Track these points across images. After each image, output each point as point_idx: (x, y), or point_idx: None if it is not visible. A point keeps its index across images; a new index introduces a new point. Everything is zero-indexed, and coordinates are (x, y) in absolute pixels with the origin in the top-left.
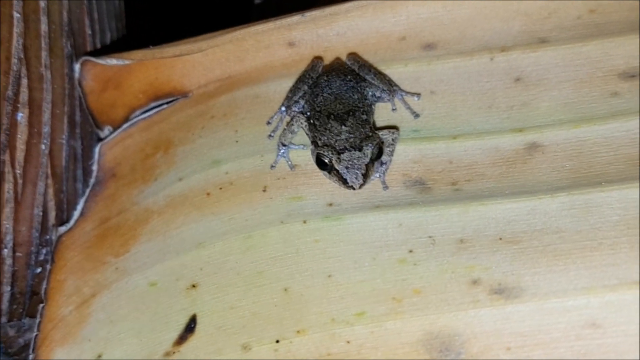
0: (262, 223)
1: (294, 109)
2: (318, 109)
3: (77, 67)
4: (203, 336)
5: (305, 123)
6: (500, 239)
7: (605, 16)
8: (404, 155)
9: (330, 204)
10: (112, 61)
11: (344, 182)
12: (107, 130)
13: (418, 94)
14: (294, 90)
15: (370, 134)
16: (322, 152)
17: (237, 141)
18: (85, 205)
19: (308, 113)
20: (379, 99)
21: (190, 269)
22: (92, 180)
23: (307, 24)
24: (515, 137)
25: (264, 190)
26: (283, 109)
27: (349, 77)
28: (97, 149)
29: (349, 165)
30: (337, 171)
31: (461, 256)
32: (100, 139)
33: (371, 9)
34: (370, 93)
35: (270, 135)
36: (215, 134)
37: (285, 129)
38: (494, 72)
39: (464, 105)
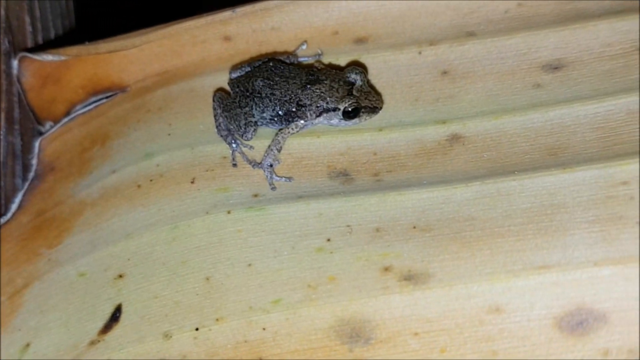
0: (189, 214)
1: (249, 133)
2: (287, 97)
3: (15, 63)
4: (127, 325)
5: (294, 120)
6: (414, 227)
7: (533, 9)
8: (330, 147)
9: (256, 195)
10: (48, 57)
11: (375, 109)
12: (48, 125)
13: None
14: (231, 121)
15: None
16: (349, 104)
17: (169, 134)
18: (23, 199)
19: (279, 110)
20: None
21: (118, 259)
22: (31, 175)
23: (242, 18)
24: (438, 129)
25: (192, 182)
26: (234, 145)
27: (268, 67)
28: (37, 144)
29: (367, 97)
30: (366, 106)
31: (376, 244)
32: (41, 134)
33: (304, 4)
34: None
35: (233, 165)
36: (149, 127)
37: (273, 150)
38: (422, 65)
39: (392, 98)
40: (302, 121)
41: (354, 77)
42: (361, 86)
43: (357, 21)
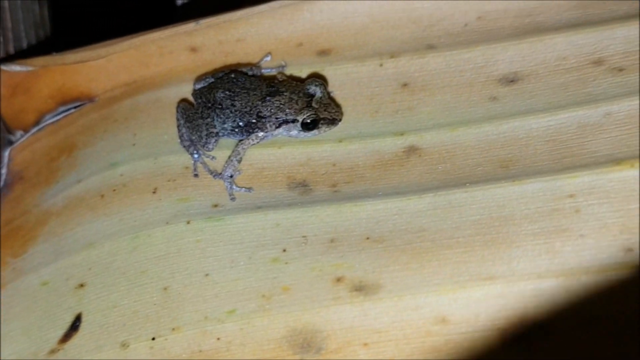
0: (149, 224)
1: (210, 144)
2: (247, 108)
3: None
4: (86, 334)
5: (254, 131)
6: (368, 238)
7: (492, 22)
8: (291, 158)
9: (216, 205)
10: (16, 67)
11: (334, 120)
12: (19, 134)
13: None
14: (193, 132)
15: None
16: (307, 116)
17: (134, 144)
18: None
19: (239, 121)
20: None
21: (80, 268)
22: (0, 184)
23: (208, 30)
24: (396, 141)
25: (154, 192)
26: (196, 156)
27: (229, 79)
28: (6, 154)
29: (326, 109)
30: (324, 118)
31: (330, 255)
32: (12, 143)
33: (269, 16)
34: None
35: (195, 175)
36: (115, 137)
37: (233, 161)
38: (383, 77)
39: (353, 109)
40: (262, 132)
41: (313, 89)
42: (321, 98)
43: (320, 33)
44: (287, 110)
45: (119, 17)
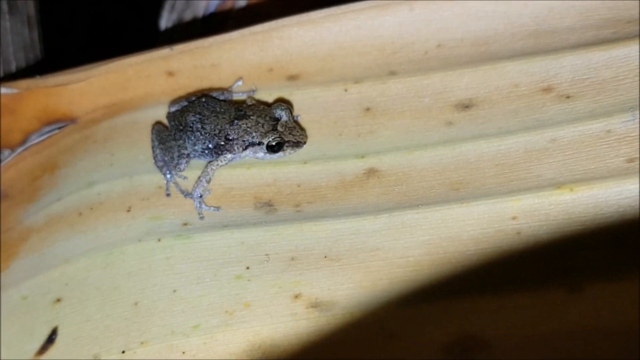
0: (122, 241)
1: (182, 165)
2: (216, 131)
3: None
4: (61, 347)
5: (223, 153)
6: (325, 256)
7: (450, 50)
8: (258, 178)
9: (185, 224)
10: (1, 90)
11: (298, 143)
12: (6, 153)
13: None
14: (166, 153)
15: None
16: (273, 139)
17: (112, 164)
18: None
19: (208, 143)
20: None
21: (57, 283)
22: None
23: (183, 55)
24: (357, 163)
25: (128, 210)
26: (169, 176)
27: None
28: None
29: (291, 132)
30: (289, 141)
31: (290, 272)
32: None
33: (241, 42)
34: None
35: (167, 194)
36: (94, 157)
37: (202, 181)
38: (348, 102)
39: (319, 132)
40: (230, 154)
41: (279, 113)
42: (286, 122)
43: (290, 59)
44: (253, 133)
45: (107, 42)
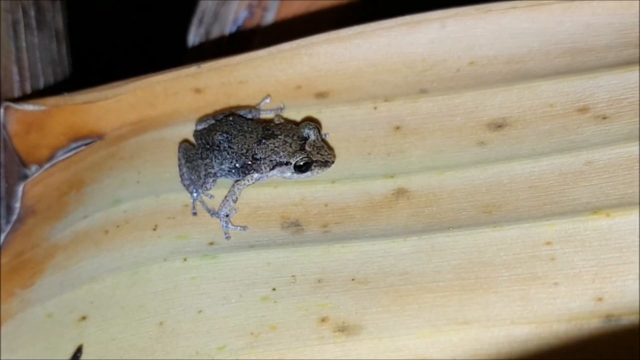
0: (148, 260)
1: (208, 184)
2: (243, 150)
3: (0, 112)
4: None
5: (250, 172)
6: (353, 279)
7: (483, 68)
8: (286, 198)
9: (212, 243)
10: (29, 107)
11: (326, 163)
12: (34, 168)
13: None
14: (193, 172)
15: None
16: (300, 159)
17: (138, 182)
18: (5, 240)
19: (236, 163)
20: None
21: (83, 301)
22: (14, 217)
23: (211, 72)
24: (386, 183)
25: (154, 229)
26: (195, 194)
27: (229, 122)
28: (20, 188)
29: (319, 152)
30: (317, 160)
31: (316, 295)
32: (27, 177)
33: (269, 59)
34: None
35: (194, 213)
36: (120, 174)
37: (229, 201)
38: (377, 120)
39: (347, 151)
40: (257, 174)
41: (307, 132)
42: (314, 141)
43: (319, 76)
44: (281, 153)
45: (135, 57)
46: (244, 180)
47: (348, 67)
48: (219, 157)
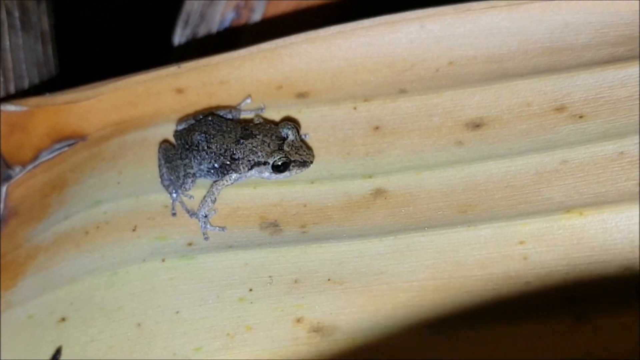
0: (127, 261)
1: (187, 184)
2: (222, 150)
3: None
4: None
5: (228, 172)
6: (329, 279)
7: (462, 68)
8: (265, 198)
9: (190, 244)
10: (11, 107)
11: (305, 163)
12: (17, 169)
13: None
14: (172, 172)
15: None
16: (278, 158)
17: (119, 183)
18: None
19: (214, 163)
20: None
21: (63, 303)
22: None
23: (192, 72)
24: (364, 183)
25: (134, 230)
26: (175, 195)
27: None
28: (4, 190)
29: (297, 151)
30: (295, 160)
31: (292, 295)
32: (11, 178)
33: (250, 59)
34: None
35: (173, 214)
36: (102, 175)
37: (207, 201)
38: (356, 120)
39: (327, 151)
40: (235, 174)
41: (286, 132)
42: (293, 141)
43: (300, 76)
44: (259, 153)
45: (122, 58)
46: (222, 180)
47: (329, 66)
48: (198, 157)
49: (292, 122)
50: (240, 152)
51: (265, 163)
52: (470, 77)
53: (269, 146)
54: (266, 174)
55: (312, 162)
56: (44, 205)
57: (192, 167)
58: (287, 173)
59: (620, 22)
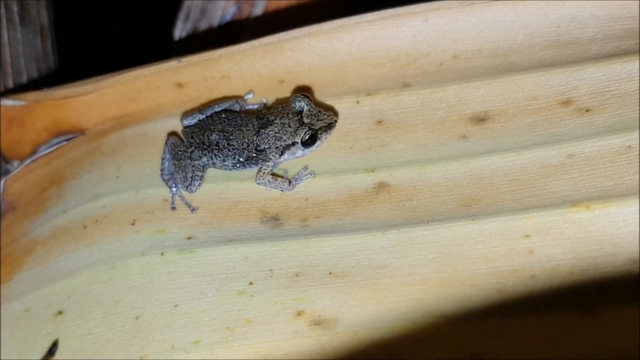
0: (126, 254)
1: (194, 186)
2: (244, 145)
3: None
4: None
5: (259, 162)
6: (330, 273)
7: (466, 62)
8: (266, 192)
9: (189, 238)
10: (9, 102)
11: (330, 125)
12: (16, 164)
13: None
14: (179, 170)
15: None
16: (305, 133)
17: (118, 177)
18: None
19: (239, 157)
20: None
21: (60, 296)
22: None
23: (192, 67)
24: (367, 177)
25: (133, 224)
26: (174, 189)
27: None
28: (1, 184)
29: (318, 118)
30: (320, 127)
31: (293, 288)
32: (9, 172)
33: (251, 54)
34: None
35: (172, 208)
36: (101, 169)
37: (274, 182)
38: (359, 114)
39: (329, 145)
40: (270, 162)
41: (299, 104)
42: (309, 110)
43: (302, 70)
44: (284, 137)
45: (123, 52)
46: (263, 168)
47: (331, 61)
48: (220, 155)
49: (301, 93)
50: (265, 142)
51: (294, 144)
52: (475, 71)
53: (289, 126)
54: (299, 152)
55: (337, 121)
56: (42, 200)
57: (201, 170)
58: (318, 142)
59: (627, 15)
